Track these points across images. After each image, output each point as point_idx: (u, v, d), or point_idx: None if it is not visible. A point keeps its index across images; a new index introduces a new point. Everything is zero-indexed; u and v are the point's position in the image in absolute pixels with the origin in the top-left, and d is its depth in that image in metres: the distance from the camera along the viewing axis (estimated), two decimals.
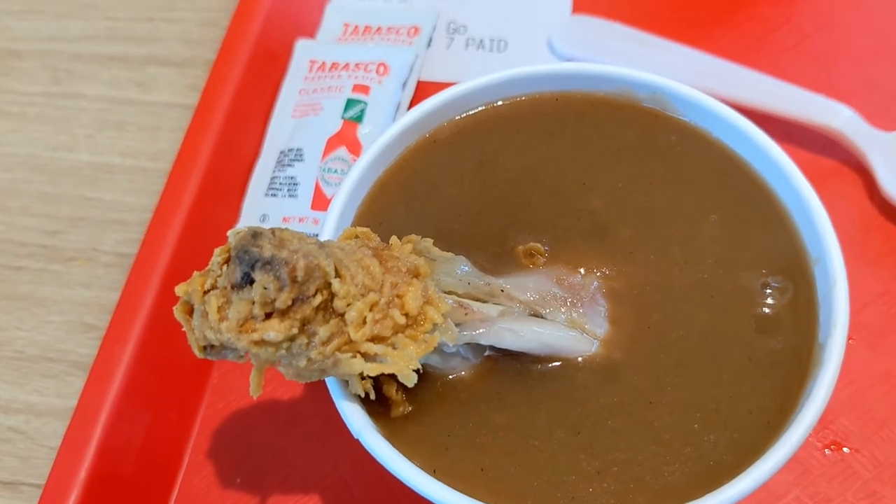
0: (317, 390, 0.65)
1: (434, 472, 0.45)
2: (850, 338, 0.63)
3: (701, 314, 0.49)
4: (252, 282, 0.40)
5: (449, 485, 0.44)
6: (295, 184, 0.72)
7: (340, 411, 0.46)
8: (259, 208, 0.73)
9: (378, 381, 0.46)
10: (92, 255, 0.77)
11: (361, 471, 0.62)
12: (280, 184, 0.73)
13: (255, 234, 0.41)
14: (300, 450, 0.64)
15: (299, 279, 0.40)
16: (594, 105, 0.57)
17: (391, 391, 0.47)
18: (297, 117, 0.76)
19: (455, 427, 0.47)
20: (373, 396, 0.45)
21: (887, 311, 0.66)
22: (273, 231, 0.41)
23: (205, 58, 0.87)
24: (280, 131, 0.76)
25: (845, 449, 0.61)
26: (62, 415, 0.68)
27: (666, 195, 0.53)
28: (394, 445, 0.45)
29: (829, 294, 0.48)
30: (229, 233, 0.42)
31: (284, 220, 0.71)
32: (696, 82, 0.69)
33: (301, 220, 0.71)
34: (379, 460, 0.45)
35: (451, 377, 0.48)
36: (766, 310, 0.49)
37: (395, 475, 0.45)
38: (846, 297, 0.47)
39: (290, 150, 0.74)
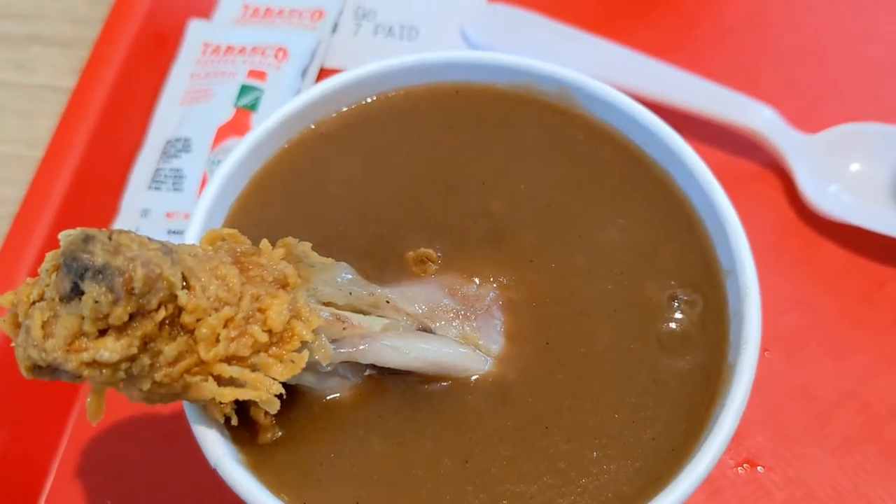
0: None
1: None
2: (765, 350, 0.61)
3: (603, 329, 0.45)
4: (82, 293, 0.34)
5: None
6: (181, 176, 0.67)
7: (197, 438, 0.41)
8: (140, 202, 0.67)
9: (243, 403, 0.41)
10: None
11: None
12: (164, 176, 0.67)
13: (87, 238, 0.35)
14: (178, 470, 0.59)
15: (137, 291, 0.35)
16: (496, 99, 0.52)
17: (259, 415, 0.42)
18: (187, 104, 0.70)
19: (329, 455, 0.42)
20: (234, 422, 0.40)
21: (804, 321, 0.63)
22: (110, 235, 0.36)
23: (92, 38, 0.80)
24: (167, 119, 0.70)
25: (759, 468, 0.58)
26: None
27: (570, 198, 0.49)
28: (258, 476, 0.41)
29: (740, 309, 0.44)
30: (60, 235, 0.36)
31: (168, 215, 0.65)
32: (614, 77, 0.65)
33: (186, 216, 0.65)
34: (238, 493, 0.40)
35: (328, 398, 0.43)
36: (674, 325, 0.45)
37: None
38: (758, 313, 0.43)
39: (177, 139, 0.68)
